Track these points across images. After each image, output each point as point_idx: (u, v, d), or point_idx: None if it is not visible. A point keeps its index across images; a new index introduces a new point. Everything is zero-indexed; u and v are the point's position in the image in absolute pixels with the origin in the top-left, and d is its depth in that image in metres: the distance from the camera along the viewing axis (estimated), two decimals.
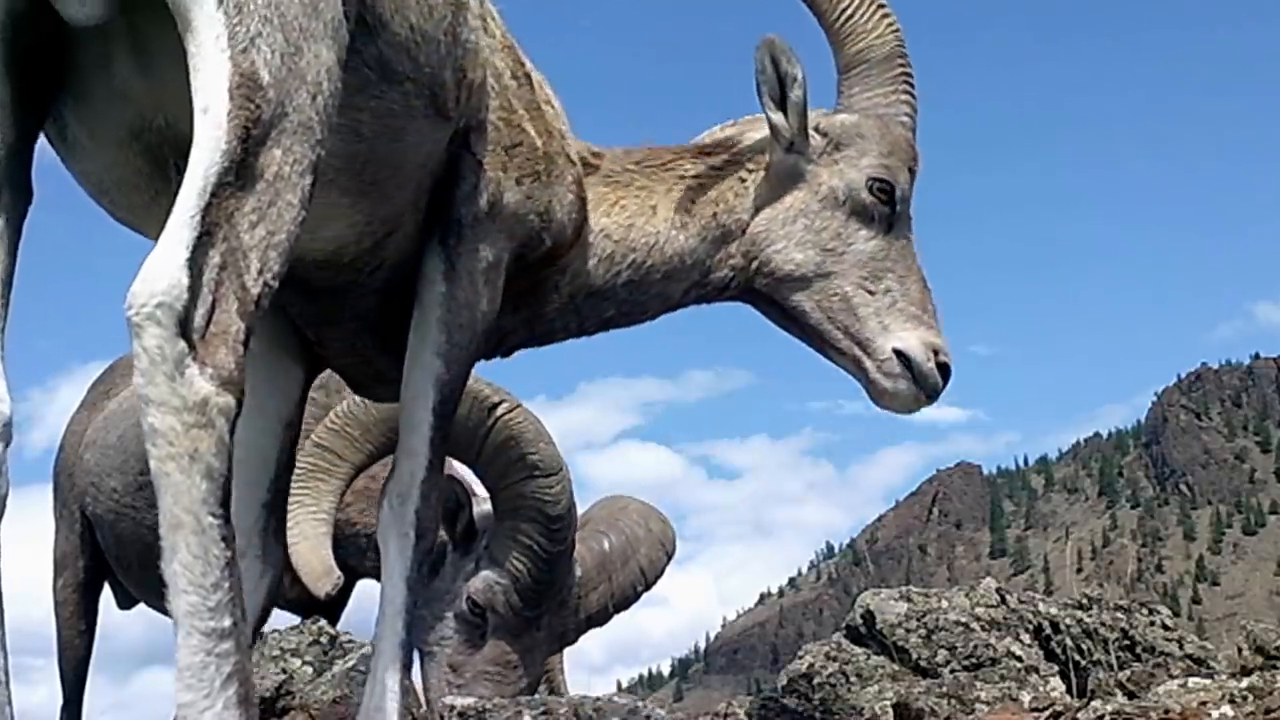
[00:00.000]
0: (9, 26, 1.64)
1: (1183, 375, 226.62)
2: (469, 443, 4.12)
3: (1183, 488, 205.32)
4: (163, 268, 1.44)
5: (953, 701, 3.20)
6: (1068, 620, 3.76)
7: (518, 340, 2.75)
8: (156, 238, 1.50)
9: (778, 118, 2.76)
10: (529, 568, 4.06)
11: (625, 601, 4.50)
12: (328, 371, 4.92)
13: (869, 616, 3.77)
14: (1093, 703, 2.88)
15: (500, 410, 4.10)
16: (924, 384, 2.75)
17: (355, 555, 4.41)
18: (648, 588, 4.58)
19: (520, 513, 4.06)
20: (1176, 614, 4.15)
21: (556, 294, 2.68)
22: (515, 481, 4.07)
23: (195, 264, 1.46)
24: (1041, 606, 3.87)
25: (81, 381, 6.53)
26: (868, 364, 2.74)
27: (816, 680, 3.58)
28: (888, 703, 3.28)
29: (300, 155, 1.58)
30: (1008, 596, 3.91)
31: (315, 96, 1.61)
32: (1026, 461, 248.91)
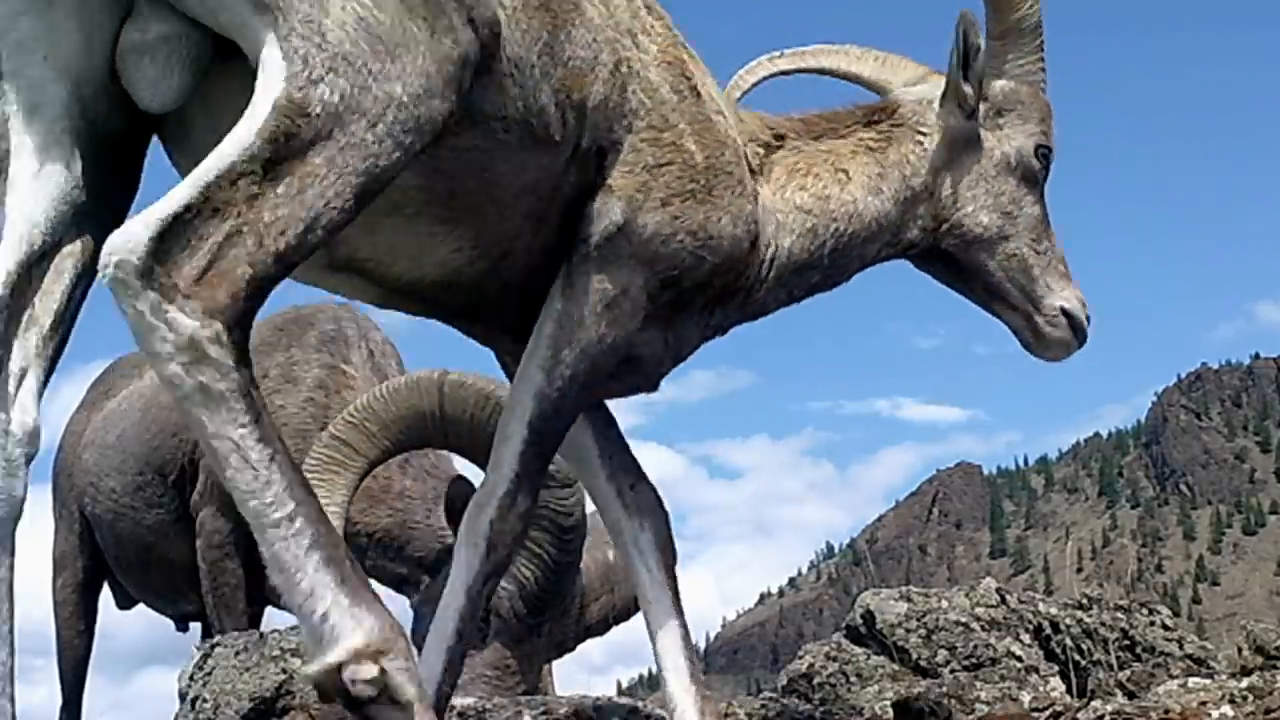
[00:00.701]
0: (89, 113, 1.87)
1: (1183, 375, 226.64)
2: (487, 446, 4.12)
3: (1183, 488, 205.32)
4: (123, 230, 1.59)
5: (953, 701, 3.20)
6: (1068, 620, 3.76)
7: (731, 324, 2.80)
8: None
9: (968, 87, 2.90)
10: (536, 575, 4.05)
11: (626, 613, 4.50)
12: (325, 372, 4.94)
13: (869, 616, 3.77)
14: (1093, 703, 2.88)
15: None
16: (1079, 335, 3.01)
17: (356, 554, 4.39)
18: None
19: (532, 521, 4.06)
20: (1176, 614, 4.15)
21: (761, 282, 2.71)
22: None
23: (182, 226, 1.60)
24: (1041, 606, 3.87)
25: (82, 381, 6.53)
26: (1038, 319, 2.96)
27: (816, 680, 3.58)
28: (888, 703, 3.28)
29: (345, 165, 1.73)
30: (1008, 596, 3.91)
31: (376, 124, 1.76)
32: (1026, 461, 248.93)
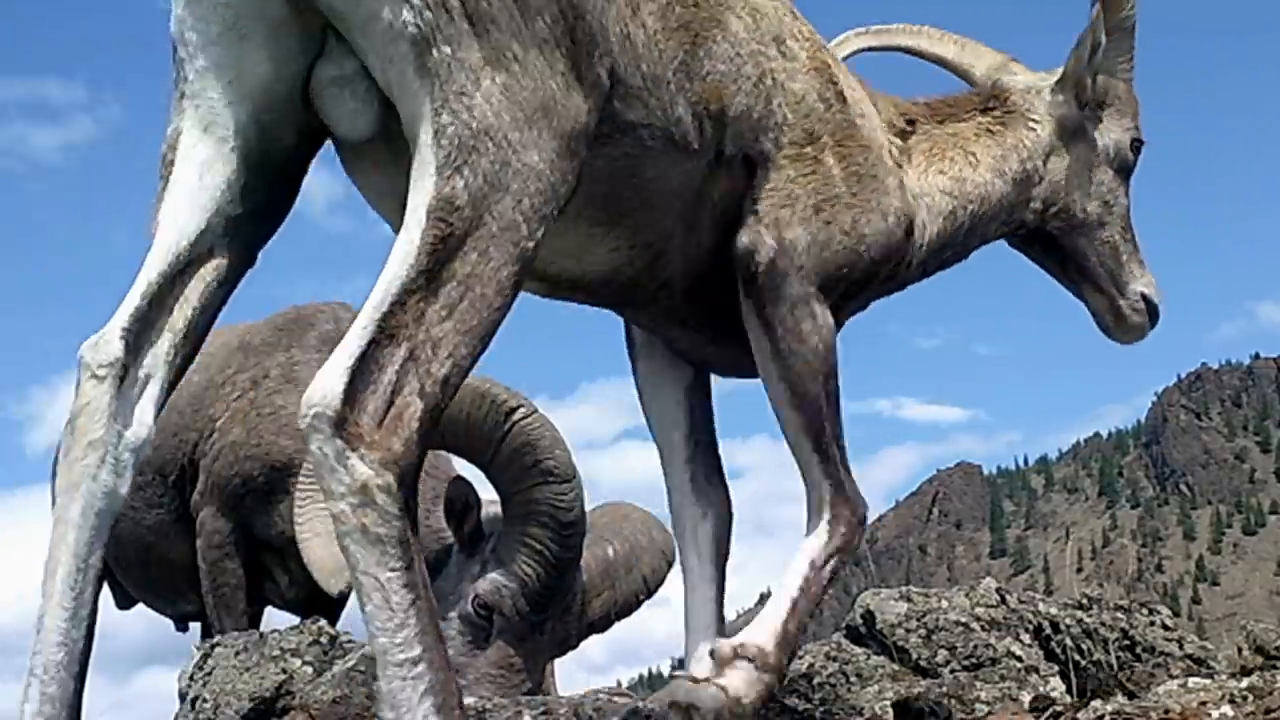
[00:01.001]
0: (265, 135, 1.97)
1: (1183, 375, 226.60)
2: (483, 446, 4.12)
3: (1183, 488, 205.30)
4: (322, 379, 1.69)
5: (953, 701, 3.20)
6: (1068, 620, 3.76)
7: (871, 299, 2.92)
8: None
9: (1090, 80, 3.08)
10: (538, 573, 4.05)
11: (628, 609, 4.50)
12: None
13: (869, 616, 3.77)
14: (1093, 703, 2.89)
15: (517, 415, 4.10)
16: (1154, 319, 3.22)
17: None
18: (649, 596, 4.58)
19: (532, 518, 4.06)
20: (1176, 614, 4.15)
21: (911, 263, 2.85)
22: (529, 486, 4.07)
23: (370, 364, 1.69)
24: (1041, 606, 3.87)
25: None
26: (1121, 303, 3.16)
27: (816, 680, 3.58)
28: (888, 703, 3.28)
29: (499, 254, 1.77)
30: (1008, 596, 3.91)
31: (521, 199, 1.80)
32: (1026, 461, 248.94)
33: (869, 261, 2.60)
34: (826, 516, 2.47)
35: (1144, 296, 3.17)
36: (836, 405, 2.52)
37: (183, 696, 3.96)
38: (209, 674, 3.88)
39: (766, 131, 2.42)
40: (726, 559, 2.74)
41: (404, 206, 1.86)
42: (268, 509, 4.81)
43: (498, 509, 4.24)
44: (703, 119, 2.28)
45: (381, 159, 2.04)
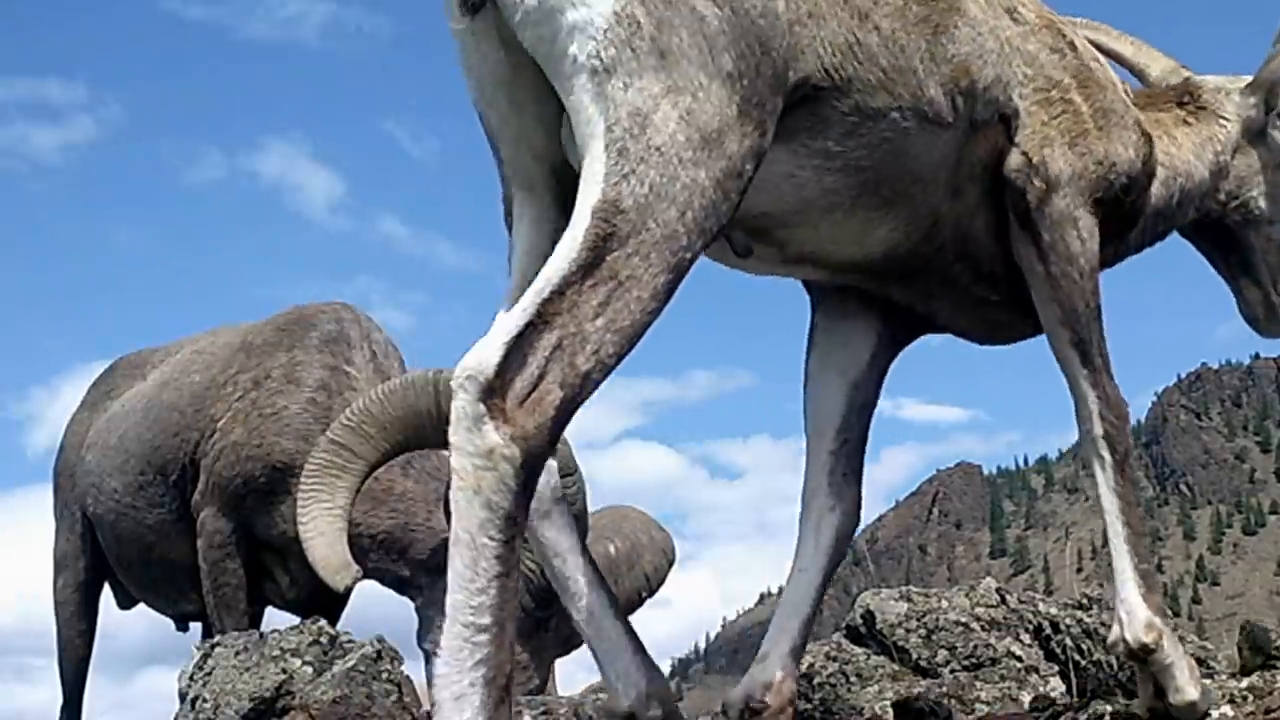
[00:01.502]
0: (566, 186, 2.15)
1: (1183, 375, 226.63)
2: None
3: (1183, 488, 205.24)
4: (480, 349, 1.82)
5: (953, 701, 3.20)
6: (1068, 620, 3.76)
7: (1109, 265, 3.10)
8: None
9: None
10: (541, 570, 4.05)
11: (630, 607, 4.51)
12: (328, 373, 4.94)
13: (869, 616, 3.77)
14: (1093, 703, 2.89)
15: None
16: None
17: (358, 556, 4.40)
18: (651, 594, 4.58)
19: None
20: (1176, 614, 4.15)
21: (1143, 212, 3.05)
22: None
23: (524, 344, 1.80)
24: (1041, 606, 3.87)
25: (84, 381, 6.55)
26: (1275, 298, 3.35)
27: (816, 680, 3.58)
28: (888, 703, 3.28)
29: (658, 259, 1.90)
30: (1008, 596, 3.91)
31: (684, 213, 1.93)
32: (1026, 461, 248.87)
33: (1119, 188, 2.86)
34: (1099, 432, 2.70)
35: None
36: (1100, 320, 2.78)
37: (183, 696, 3.96)
38: (209, 674, 3.88)
39: (1013, 90, 2.69)
40: (840, 560, 2.87)
41: None
42: (269, 509, 4.81)
43: None
44: (954, 95, 2.52)
45: None
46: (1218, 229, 3.35)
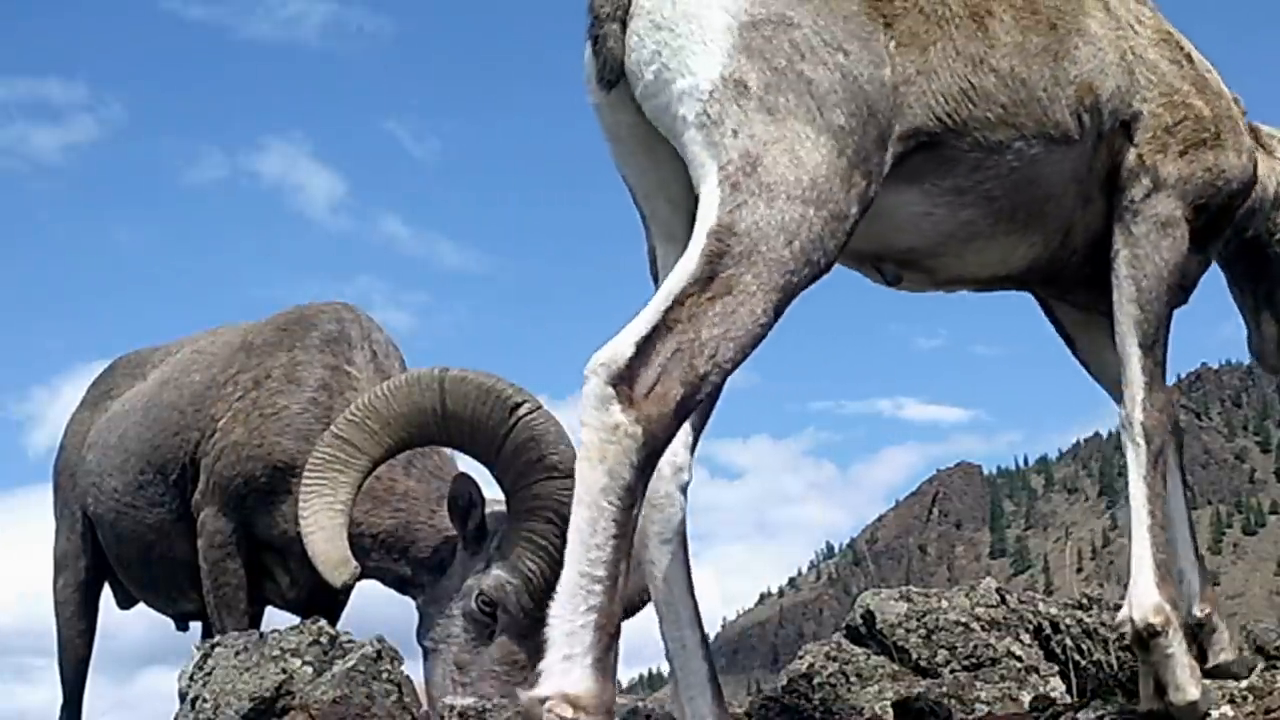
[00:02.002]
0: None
1: (1183, 375, 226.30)
2: (489, 441, 4.12)
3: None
4: (614, 344, 2.01)
5: (953, 701, 3.20)
6: (1068, 620, 3.76)
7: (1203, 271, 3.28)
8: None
9: None
10: (542, 568, 4.05)
11: (632, 608, 4.49)
12: (329, 372, 4.94)
13: (869, 616, 3.77)
14: (1093, 703, 2.89)
15: (522, 410, 4.10)
16: None
17: (359, 555, 4.41)
18: None
19: (537, 513, 4.06)
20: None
21: (1244, 210, 3.21)
22: (534, 482, 4.06)
23: (649, 346, 2.01)
24: (1041, 606, 3.87)
25: (85, 381, 6.54)
26: None
27: (816, 680, 3.58)
28: (888, 703, 3.29)
29: (767, 279, 2.10)
30: (1008, 596, 3.91)
31: (791, 242, 2.13)
32: (1026, 461, 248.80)
33: (1227, 195, 3.04)
34: (1140, 419, 2.80)
35: None
36: (1169, 325, 2.94)
37: (183, 696, 3.96)
38: (209, 674, 3.88)
39: (1136, 95, 2.87)
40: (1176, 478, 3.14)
41: None
42: (269, 509, 4.80)
43: (501, 507, 4.24)
44: (1080, 113, 2.71)
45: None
46: (1255, 257, 3.42)
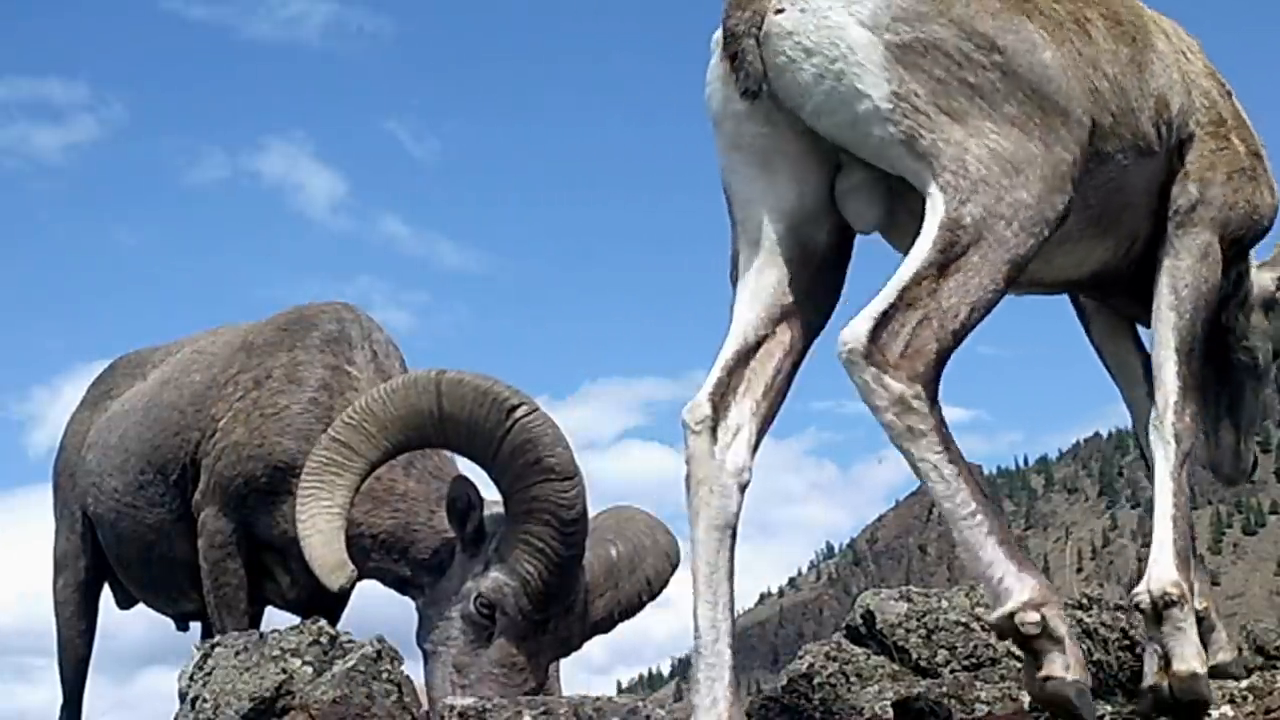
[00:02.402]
0: (801, 240, 2.67)
1: None
2: (486, 443, 4.12)
3: None
4: (851, 328, 2.33)
5: (953, 701, 3.20)
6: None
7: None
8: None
9: None
10: (540, 571, 4.05)
11: (631, 610, 4.50)
12: (329, 372, 4.94)
13: (869, 616, 3.77)
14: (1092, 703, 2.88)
15: (519, 413, 4.09)
16: (1250, 477, 3.66)
17: (358, 556, 4.41)
18: (653, 597, 4.57)
19: (534, 516, 4.05)
20: None
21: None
22: (531, 484, 4.06)
23: (889, 320, 2.32)
24: None
25: (85, 381, 6.54)
26: (1243, 446, 3.52)
27: (816, 680, 3.58)
28: (888, 703, 3.28)
29: (995, 257, 2.40)
30: None
31: (1011, 223, 2.42)
32: (1027, 461, 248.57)
33: (1261, 229, 3.23)
34: (1172, 421, 2.92)
35: (1255, 455, 3.60)
36: (1205, 330, 3.07)
37: (183, 696, 3.96)
38: (209, 674, 3.88)
39: (1192, 115, 3.04)
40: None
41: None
42: (270, 509, 4.80)
43: (500, 509, 4.23)
44: (1159, 126, 2.90)
45: (899, 243, 2.72)
46: (1218, 363, 3.50)
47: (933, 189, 2.43)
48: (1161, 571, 2.77)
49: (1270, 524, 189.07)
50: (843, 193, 2.65)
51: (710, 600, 2.56)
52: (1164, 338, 2.98)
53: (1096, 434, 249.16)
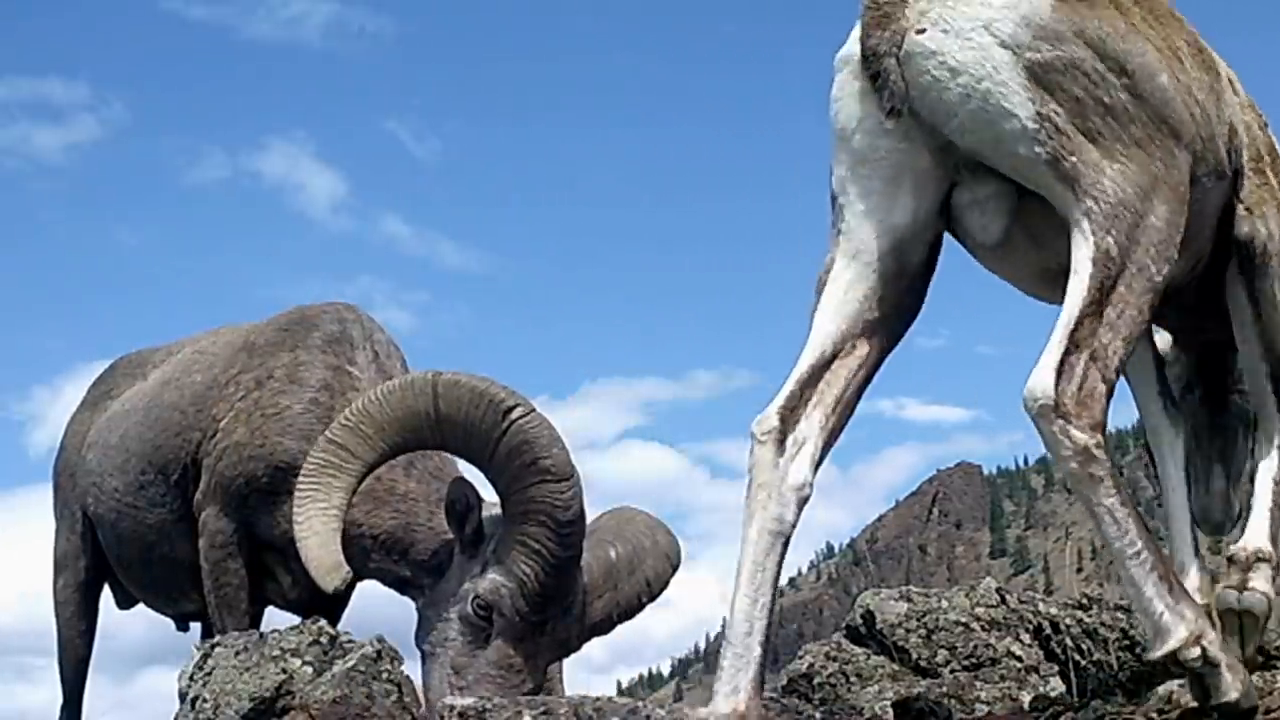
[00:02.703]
0: (900, 256, 2.72)
1: None
2: (482, 445, 4.12)
3: None
4: (1037, 378, 2.42)
5: (953, 701, 3.21)
6: (1068, 620, 3.76)
7: None
8: (1049, 299, 2.80)
9: None
10: (537, 572, 4.05)
11: (630, 611, 4.49)
12: (330, 373, 4.94)
13: (869, 616, 3.77)
14: (1093, 703, 2.89)
15: (515, 414, 4.09)
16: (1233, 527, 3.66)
17: (359, 557, 4.41)
18: (652, 599, 4.56)
19: (531, 517, 4.05)
20: None
21: None
22: (527, 485, 4.06)
23: (1066, 365, 2.42)
24: (1041, 606, 3.88)
25: (86, 381, 6.53)
26: (1233, 495, 3.53)
27: (816, 680, 3.58)
28: (888, 703, 3.29)
29: (1139, 286, 2.49)
30: (1008, 596, 3.91)
31: (1149, 248, 2.51)
32: (1027, 461, 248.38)
33: None
34: (1274, 413, 3.07)
35: (1241, 504, 3.56)
36: None
37: (183, 696, 3.96)
38: (209, 674, 3.88)
39: (1243, 149, 3.10)
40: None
41: (1039, 280, 2.85)
42: (270, 509, 4.80)
43: (499, 510, 4.23)
44: (1229, 150, 2.97)
45: (1014, 256, 2.82)
46: (1212, 406, 3.55)
47: (1077, 214, 2.51)
48: (1259, 528, 2.99)
49: None
50: (965, 205, 2.72)
51: (750, 597, 2.57)
52: (1262, 386, 3.11)
53: None
